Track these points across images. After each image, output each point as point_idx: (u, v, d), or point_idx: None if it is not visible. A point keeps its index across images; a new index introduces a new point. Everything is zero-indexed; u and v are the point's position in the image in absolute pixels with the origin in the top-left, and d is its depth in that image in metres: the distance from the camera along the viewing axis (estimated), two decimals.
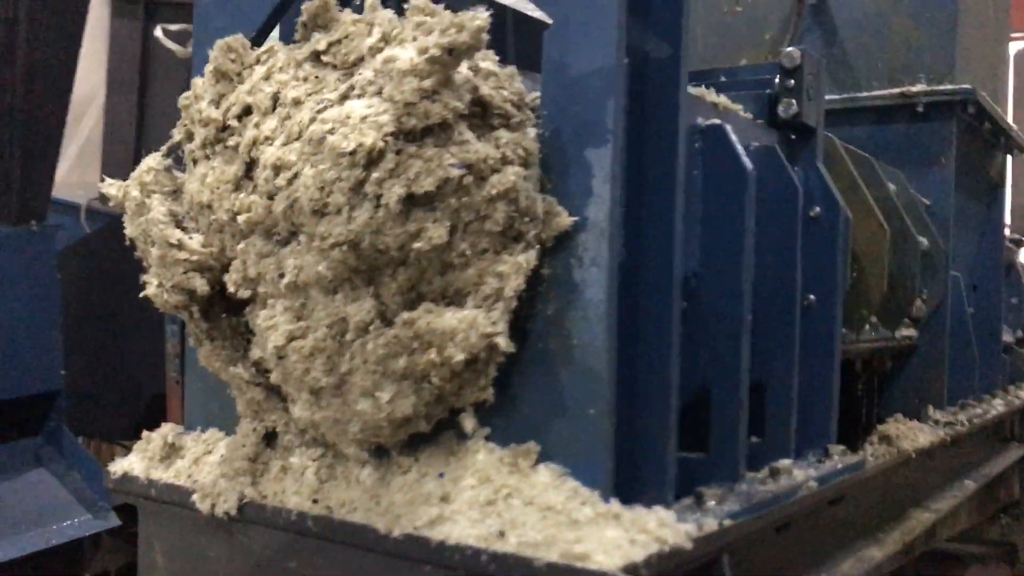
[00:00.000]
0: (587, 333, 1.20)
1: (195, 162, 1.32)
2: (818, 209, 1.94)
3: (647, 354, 1.35)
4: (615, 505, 1.17)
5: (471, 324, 1.14)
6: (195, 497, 1.42)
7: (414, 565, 1.21)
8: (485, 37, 1.10)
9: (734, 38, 3.16)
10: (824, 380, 1.93)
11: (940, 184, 2.81)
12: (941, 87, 2.78)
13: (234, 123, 1.27)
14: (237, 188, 1.25)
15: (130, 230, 1.33)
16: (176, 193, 1.35)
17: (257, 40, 1.44)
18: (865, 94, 2.89)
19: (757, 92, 1.94)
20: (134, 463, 1.55)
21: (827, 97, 2.81)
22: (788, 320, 1.76)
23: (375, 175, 1.07)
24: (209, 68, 1.32)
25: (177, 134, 1.37)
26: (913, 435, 2.29)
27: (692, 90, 1.66)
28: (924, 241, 2.74)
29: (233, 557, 1.41)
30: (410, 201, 1.09)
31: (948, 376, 3.10)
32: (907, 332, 2.73)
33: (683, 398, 1.60)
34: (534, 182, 1.20)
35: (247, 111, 1.27)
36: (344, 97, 1.13)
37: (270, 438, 1.44)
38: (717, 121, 1.59)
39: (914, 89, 2.80)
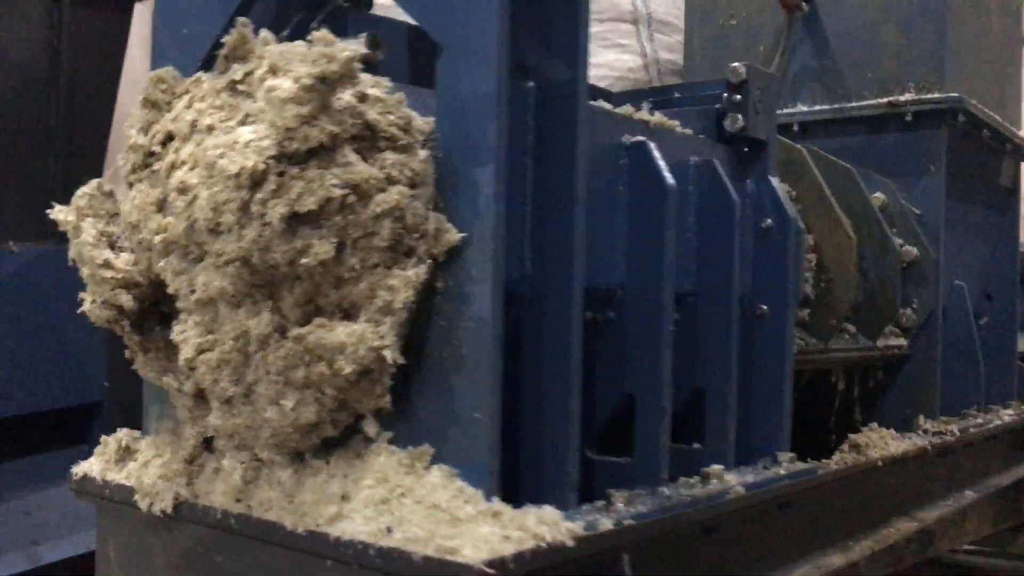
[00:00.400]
0: (474, 343, 1.27)
1: (130, 185, 1.43)
2: (769, 221, 1.98)
3: (550, 363, 1.41)
4: (496, 504, 1.24)
5: (360, 338, 1.22)
6: (137, 496, 1.52)
7: (316, 559, 1.29)
8: (358, 66, 1.18)
9: (730, 50, 3.19)
10: (775, 388, 1.96)
11: (930, 193, 2.81)
12: (929, 96, 2.78)
13: (158, 149, 1.37)
14: (160, 210, 1.35)
15: (71, 251, 1.45)
16: (115, 216, 1.46)
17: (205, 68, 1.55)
18: (855, 104, 2.90)
19: (707, 108, 1.99)
20: (93, 465, 1.67)
21: (818, 108, 2.86)
22: (726, 329, 1.80)
23: (259, 195, 1.16)
24: (140, 98, 1.43)
25: (120, 160, 1.48)
26: (884, 444, 2.29)
27: (622, 109, 1.72)
28: (913, 250, 2.74)
29: (170, 552, 1.51)
30: (295, 219, 1.18)
31: (949, 386, 3.09)
32: (895, 342, 2.73)
33: (611, 405, 1.67)
34: (424, 201, 1.28)
35: (170, 137, 1.37)
36: (241, 123, 1.23)
37: (211, 441, 1.54)
38: (641, 138, 1.65)
39: (902, 98, 2.81)
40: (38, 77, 3.59)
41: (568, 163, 1.41)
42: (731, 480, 1.71)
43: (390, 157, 1.24)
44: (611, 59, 3.77)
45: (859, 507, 2.25)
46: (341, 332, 1.22)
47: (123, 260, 1.37)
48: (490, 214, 1.26)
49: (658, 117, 1.83)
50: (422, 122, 1.31)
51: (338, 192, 1.18)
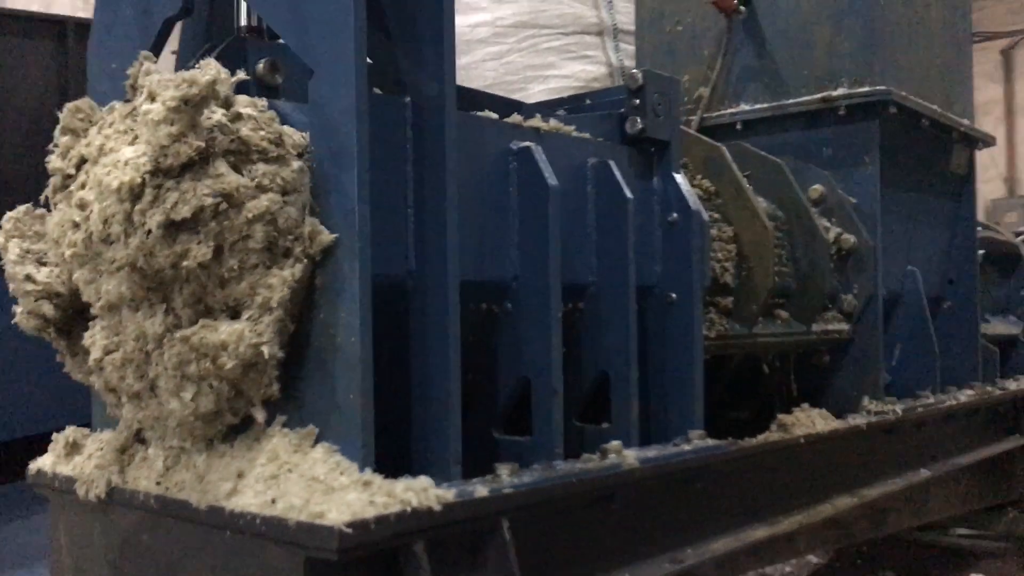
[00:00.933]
0: (346, 333, 1.42)
1: (53, 206, 1.60)
2: (675, 215, 2.11)
3: (432, 350, 1.56)
4: (367, 474, 1.39)
5: (239, 336, 1.38)
6: (76, 485, 1.69)
7: (217, 531, 1.45)
8: (220, 88, 1.35)
9: (677, 55, 3.33)
10: (686, 371, 2.09)
11: (866, 183, 2.91)
12: (859, 90, 2.89)
13: (74, 171, 1.55)
14: (75, 227, 1.52)
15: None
16: (43, 235, 1.64)
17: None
18: (792, 101, 3.02)
19: (611, 113, 2.13)
20: (46, 460, 1.84)
21: (759, 106, 2.98)
22: (623, 316, 1.94)
23: (139, 206, 1.33)
24: (60, 126, 1.60)
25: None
26: (810, 422, 2.41)
27: (513, 118, 1.87)
28: (851, 238, 2.85)
29: (107, 534, 1.68)
30: (173, 226, 1.34)
31: (904, 369, 3.19)
32: (836, 326, 2.84)
33: (511, 388, 1.81)
34: (299, 206, 1.43)
35: (83, 161, 1.54)
36: (129, 144, 1.40)
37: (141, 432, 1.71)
38: (526, 144, 1.79)
39: (835, 93, 2.92)
40: (48, 116, 3.83)
41: (440, 169, 1.56)
42: (629, 455, 1.85)
43: (261, 168, 1.40)
44: (576, 70, 3.92)
45: (789, 483, 2.37)
46: (223, 331, 1.38)
47: (44, 274, 1.55)
48: (355, 216, 1.42)
49: (553, 123, 1.98)
50: (299, 136, 1.47)
51: (210, 201, 1.34)
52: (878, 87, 2.87)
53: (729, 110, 3.16)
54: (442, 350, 1.55)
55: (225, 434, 1.53)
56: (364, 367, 1.41)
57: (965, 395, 3.30)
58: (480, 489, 1.50)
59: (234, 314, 1.44)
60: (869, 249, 2.88)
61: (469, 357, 1.83)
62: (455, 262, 1.56)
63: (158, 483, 1.58)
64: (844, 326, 2.88)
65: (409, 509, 1.36)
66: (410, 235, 1.59)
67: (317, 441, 1.45)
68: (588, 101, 2.29)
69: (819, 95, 2.95)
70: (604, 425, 1.98)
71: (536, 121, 1.92)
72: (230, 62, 1.71)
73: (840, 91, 2.92)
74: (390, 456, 1.50)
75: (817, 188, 2.93)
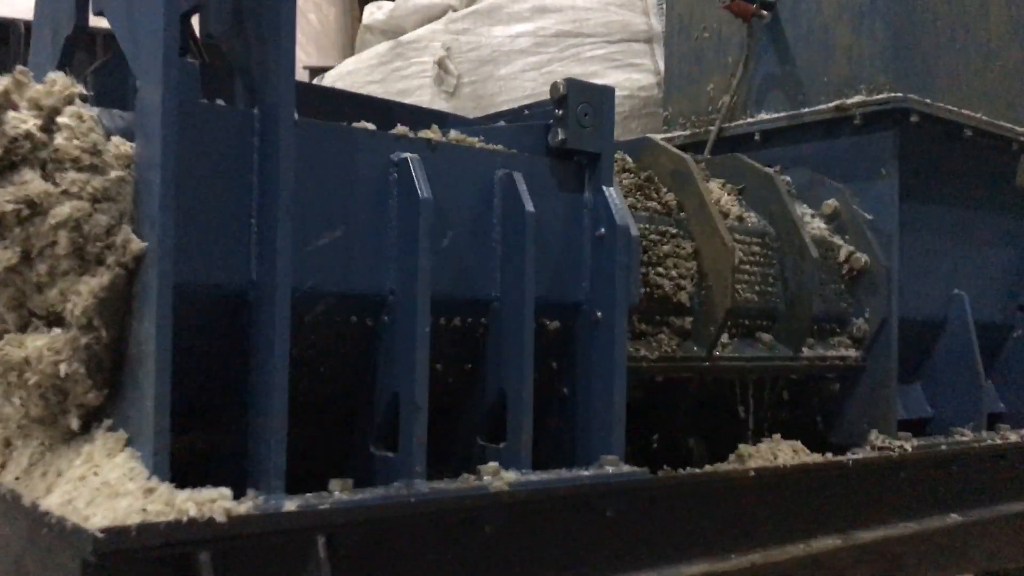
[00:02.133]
0: (147, 341, 1.44)
1: None
2: (602, 230, 2.02)
3: (263, 363, 1.55)
4: (154, 481, 1.40)
5: (39, 354, 1.42)
6: None
7: (39, 526, 1.49)
8: (16, 98, 1.39)
9: (704, 63, 3.19)
10: (606, 393, 1.99)
11: (883, 198, 2.69)
12: (876, 98, 2.68)
13: None
14: None
15: None
16: None
17: None
18: (807, 110, 2.83)
19: (537, 124, 2.06)
20: None
21: (775, 115, 2.82)
22: (519, 333, 1.87)
23: None
24: None
25: None
26: (770, 455, 2.24)
27: (399, 129, 1.84)
28: (863, 258, 2.66)
29: None
30: None
31: (943, 402, 2.93)
32: (844, 352, 2.64)
33: (385, 404, 1.78)
34: (114, 214, 1.46)
35: None
36: None
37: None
38: (404, 155, 1.76)
39: (849, 101, 2.72)
40: None
41: (274, 180, 1.55)
42: (507, 477, 1.77)
43: (71, 176, 1.43)
44: (622, 79, 3.82)
45: (739, 519, 2.20)
46: (28, 347, 1.43)
47: None
48: (158, 224, 1.43)
49: (455, 135, 1.93)
50: (127, 147, 1.50)
51: (10, 207, 1.38)
52: (895, 94, 2.65)
53: (748, 120, 2.99)
54: (268, 362, 1.54)
55: (68, 436, 1.58)
56: (160, 376, 1.42)
57: (1019, 435, 2.98)
58: (288, 504, 1.48)
59: (57, 320, 1.48)
60: (882, 269, 2.66)
61: (350, 371, 1.82)
62: (286, 273, 1.55)
63: (17, 478, 1.65)
64: (852, 352, 2.66)
65: (185, 519, 1.36)
66: (252, 245, 1.59)
67: (126, 446, 1.47)
68: (527, 112, 2.23)
69: (834, 103, 2.75)
70: (500, 445, 1.91)
71: (430, 132, 1.88)
72: (113, 73, 1.77)
73: (856, 99, 2.72)
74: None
75: (830, 203, 2.74)
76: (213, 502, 1.40)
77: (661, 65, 3.85)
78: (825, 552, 2.36)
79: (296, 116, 1.63)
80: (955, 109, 2.80)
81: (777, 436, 2.34)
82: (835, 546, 2.38)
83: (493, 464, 1.79)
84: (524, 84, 3.75)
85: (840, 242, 2.70)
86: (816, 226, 2.70)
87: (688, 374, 2.27)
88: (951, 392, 2.97)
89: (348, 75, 4.08)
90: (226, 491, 1.43)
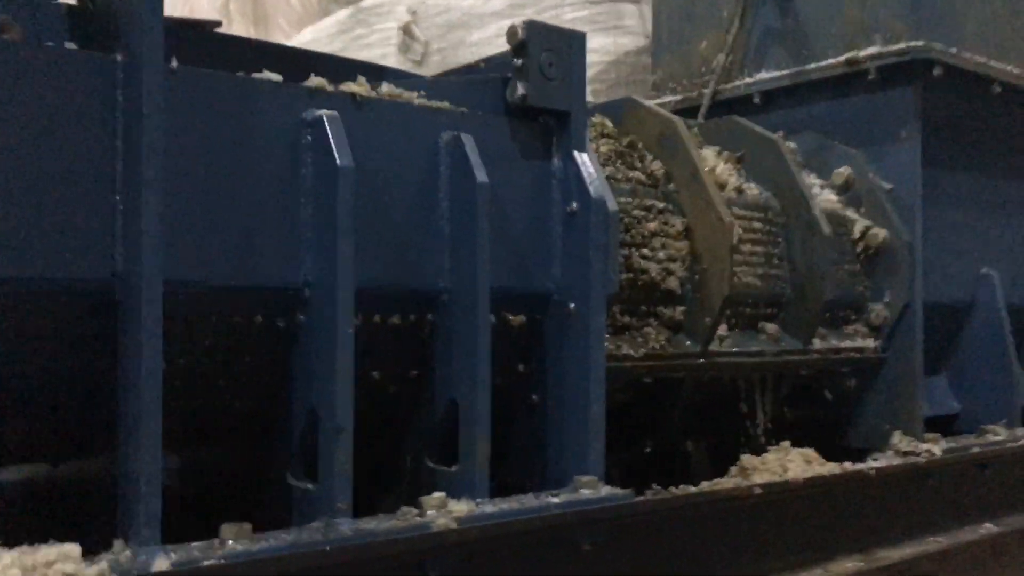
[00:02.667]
0: None
1: None
2: (574, 205, 1.68)
3: (127, 378, 1.21)
4: None
5: None
6: None
7: None
8: None
9: (696, 19, 2.84)
10: (581, 400, 1.66)
11: (903, 164, 2.34)
12: (892, 48, 2.33)
13: None
14: None
15: None
16: None
17: None
18: (813, 66, 2.48)
19: (493, 77, 1.72)
20: None
21: (776, 74, 2.48)
22: (473, 333, 1.53)
23: None
24: None
25: None
26: (779, 467, 1.90)
27: (314, 80, 1.49)
28: (881, 233, 2.31)
29: None
30: None
31: (972, 397, 2.59)
32: (860, 343, 2.30)
33: (303, 424, 1.44)
34: None
35: None
36: None
37: None
38: (320, 113, 1.41)
39: (862, 54, 2.37)
40: None
41: (139, 141, 1.21)
42: (457, 511, 1.43)
43: None
44: (606, 43, 3.47)
45: (741, 543, 1.86)
46: None
47: None
48: None
49: (388, 89, 1.59)
50: None
51: None
52: (916, 43, 2.29)
53: (746, 80, 2.64)
54: (136, 378, 1.20)
55: None
56: None
57: None
58: (160, 562, 1.14)
59: None
60: (905, 246, 2.31)
61: (258, 385, 1.48)
62: (155, 262, 1.21)
63: None
64: (870, 342, 2.32)
65: None
66: (118, 230, 1.25)
67: None
68: (483, 65, 1.87)
69: (844, 57, 2.40)
70: (453, 468, 1.57)
71: (356, 85, 1.52)
72: None
73: (869, 51, 2.36)
74: None
75: (842, 172, 2.40)
76: (49, 566, 1.06)
77: (650, 27, 3.49)
78: (846, 573, 2.03)
79: (175, 64, 1.30)
80: (984, 61, 2.44)
81: (786, 444, 2.00)
82: (856, 569, 2.05)
83: (438, 495, 1.45)
84: (498, 50, 3.39)
85: (854, 216, 2.36)
86: (827, 198, 2.35)
87: (680, 373, 1.93)
88: (980, 384, 2.63)
89: (307, 45, 3.72)
90: (72, 549, 1.09)
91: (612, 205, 1.70)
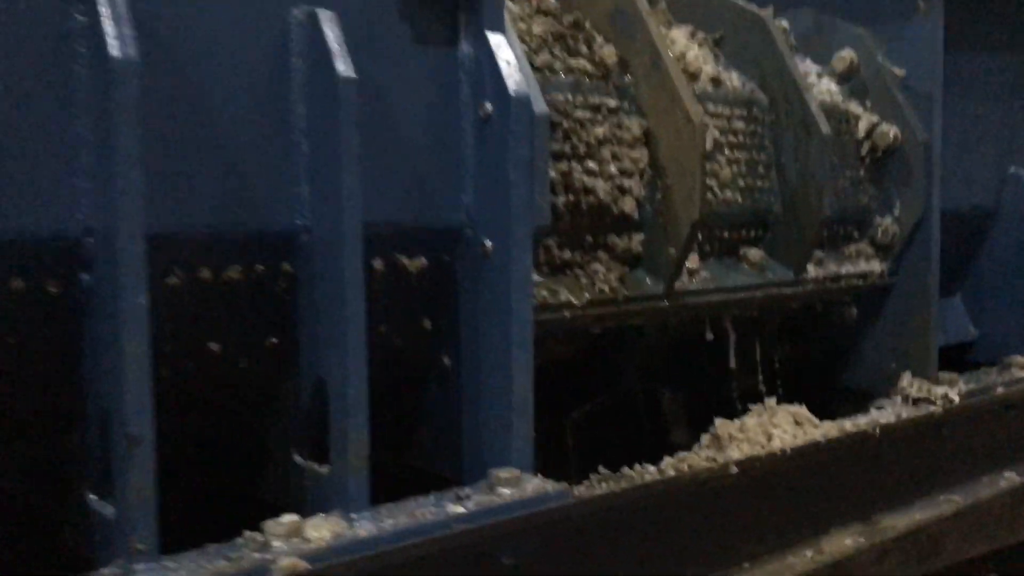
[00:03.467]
0: None
1: None
2: (488, 106, 1.24)
3: None
4: None
5: None
6: None
7: None
8: None
9: None
10: (500, 369, 1.25)
11: (920, 46, 1.89)
12: None
13: None
14: None
15: None
16: None
17: None
18: None
19: None
20: None
21: None
22: (339, 288, 1.11)
23: None
24: None
25: None
26: (763, 435, 1.51)
27: None
28: (891, 131, 1.87)
29: None
30: None
31: (993, 323, 2.20)
32: (863, 267, 1.89)
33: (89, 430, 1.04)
34: None
35: None
36: None
37: None
38: None
39: None
40: None
41: None
42: (318, 537, 1.04)
43: None
44: None
45: (691, 546, 1.46)
46: None
47: None
48: None
49: None
50: None
51: None
52: None
53: None
54: None
55: None
56: None
57: None
58: None
59: None
60: (920, 146, 1.88)
61: (32, 374, 1.07)
62: None
63: None
64: (875, 265, 1.91)
65: None
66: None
67: None
68: None
69: None
70: (323, 468, 1.18)
71: None
72: None
73: None
74: None
75: (845, 55, 1.95)
76: None
77: None
78: (842, 552, 1.66)
79: None
80: None
81: (771, 402, 1.60)
82: (855, 546, 1.68)
83: (288, 519, 1.05)
84: None
85: (859, 110, 1.92)
86: (826, 89, 1.91)
87: (638, 320, 1.52)
88: (1003, 306, 2.25)
89: None
90: None
91: (540, 105, 1.27)
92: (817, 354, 2.03)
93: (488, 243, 1.27)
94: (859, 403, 1.98)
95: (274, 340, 1.20)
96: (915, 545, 1.82)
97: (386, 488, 1.45)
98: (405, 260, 1.27)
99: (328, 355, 1.14)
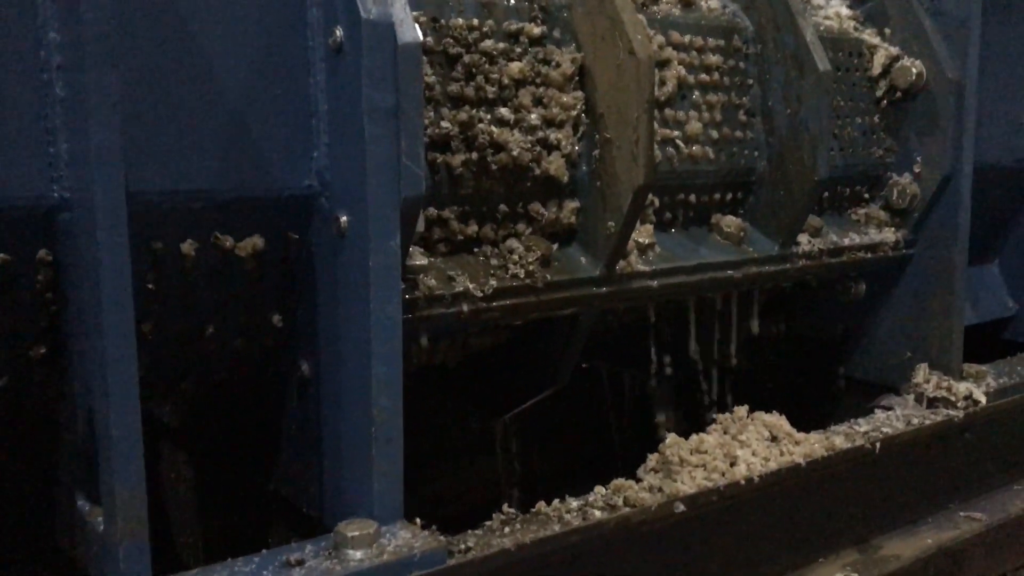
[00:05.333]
0: None
1: None
2: (339, 33, 0.90)
3: None
4: None
5: None
6: None
7: None
8: None
9: None
10: (357, 382, 0.94)
11: None
12: None
13: None
14: None
15: None
16: None
17: None
18: None
19: None
20: None
21: None
22: (94, 272, 0.80)
23: None
24: None
25: None
26: (725, 457, 1.18)
27: None
28: (915, 67, 1.51)
29: None
30: None
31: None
32: (876, 237, 1.55)
33: None
34: None
35: None
36: None
37: None
38: None
39: None
40: None
41: None
42: None
43: None
44: None
45: None
46: None
47: None
48: None
49: None
50: None
51: None
52: None
53: None
54: None
55: None
56: None
57: None
58: None
59: None
60: (951, 86, 1.51)
61: None
62: None
63: None
64: (889, 234, 1.56)
65: None
66: None
67: None
68: None
69: None
70: (98, 519, 0.88)
71: None
72: None
73: None
74: None
75: None
76: None
77: None
78: None
79: None
80: None
81: (741, 411, 1.28)
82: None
83: None
84: None
85: (875, 40, 1.55)
86: (833, 12, 1.54)
87: (566, 310, 1.19)
88: None
89: None
90: None
91: (410, 31, 0.93)
92: (814, 337, 1.70)
93: (343, 218, 0.95)
94: (864, 396, 1.66)
95: (42, 350, 0.90)
96: (926, 566, 1.51)
97: (247, 520, 1.17)
98: (230, 241, 0.95)
99: (91, 375, 0.83)
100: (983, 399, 1.50)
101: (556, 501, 1.10)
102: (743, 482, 1.16)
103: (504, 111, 1.11)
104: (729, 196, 1.38)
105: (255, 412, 1.12)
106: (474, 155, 1.09)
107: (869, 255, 1.52)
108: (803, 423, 1.36)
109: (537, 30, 1.15)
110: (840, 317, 1.67)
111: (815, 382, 1.70)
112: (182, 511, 1.37)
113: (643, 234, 1.24)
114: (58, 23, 0.81)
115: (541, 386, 1.33)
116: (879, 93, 1.55)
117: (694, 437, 1.22)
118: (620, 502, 1.11)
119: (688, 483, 1.14)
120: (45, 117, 0.83)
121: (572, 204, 1.18)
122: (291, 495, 1.10)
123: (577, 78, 1.16)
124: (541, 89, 1.14)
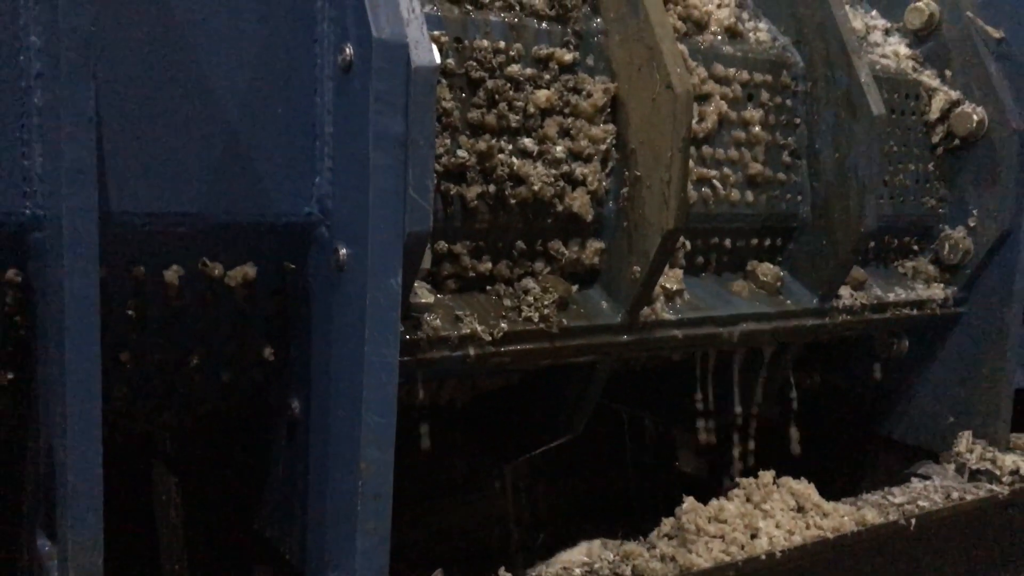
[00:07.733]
0: None
1: None
2: (349, 51, 0.83)
3: None
4: None
5: None
6: None
7: None
8: None
9: None
10: (348, 429, 0.87)
11: None
12: None
13: None
14: None
15: None
16: None
17: None
18: None
19: None
20: None
21: None
22: (59, 307, 0.73)
23: None
24: None
25: None
26: (744, 527, 1.09)
27: None
28: (976, 114, 1.42)
29: None
30: None
31: None
32: (917, 292, 1.45)
33: None
34: None
35: None
36: None
37: None
38: None
39: None
40: None
41: None
42: None
43: None
44: None
45: None
46: None
47: None
48: None
49: None
50: None
51: None
52: None
53: None
54: None
55: None
56: None
57: None
58: None
59: None
60: (1014, 136, 1.41)
61: None
62: None
63: None
64: (938, 291, 1.46)
65: None
66: None
67: None
68: None
69: None
70: (52, 561, 0.81)
71: None
72: None
73: None
74: None
75: (922, 6, 1.48)
76: None
77: None
78: None
79: None
80: None
81: (767, 476, 1.18)
82: None
83: None
84: None
85: (935, 82, 1.45)
86: (890, 51, 1.45)
87: (583, 358, 1.10)
88: None
89: None
90: None
91: (425, 54, 0.85)
92: (850, 390, 1.60)
93: (343, 250, 0.87)
94: (900, 458, 1.56)
95: (9, 376, 0.83)
96: None
97: (232, 556, 1.09)
98: (219, 268, 0.88)
99: (53, 406, 0.76)
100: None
101: (559, 565, 1.01)
102: (764, 557, 1.07)
103: (527, 142, 1.03)
104: (767, 242, 1.29)
105: (242, 448, 1.05)
106: (491, 187, 1.01)
107: (915, 312, 1.42)
108: (832, 482, 1.27)
109: (568, 56, 1.07)
110: (879, 372, 1.57)
111: (848, 438, 1.60)
112: (171, 535, 1.31)
113: (671, 279, 1.15)
114: (40, 26, 0.75)
115: (553, 434, 1.25)
116: (935, 139, 1.46)
117: (714, 503, 1.13)
118: (628, 571, 1.02)
119: (704, 555, 1.05)
120: (21, 128, 0.76)
121: (596, 244, 1.10)
122: (275, 538, 1.03)
123: (609, 110, 1.08)
124: (569, 120, 1.06)
